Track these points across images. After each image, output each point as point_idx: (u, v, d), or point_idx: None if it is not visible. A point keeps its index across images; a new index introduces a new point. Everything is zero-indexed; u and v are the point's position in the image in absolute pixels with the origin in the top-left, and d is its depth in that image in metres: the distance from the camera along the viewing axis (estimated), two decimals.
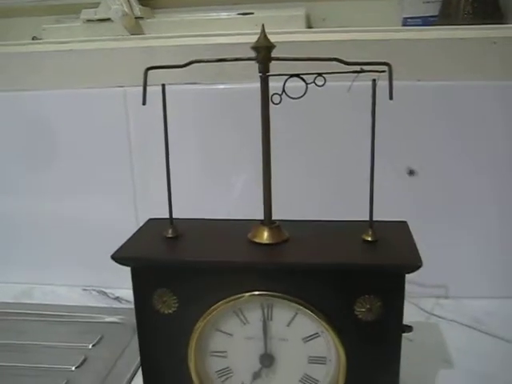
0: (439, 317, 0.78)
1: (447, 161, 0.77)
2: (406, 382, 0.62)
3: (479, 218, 0.79)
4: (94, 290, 0.90)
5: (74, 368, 0.69)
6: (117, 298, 0.87)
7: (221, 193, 0.83)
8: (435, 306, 0.81)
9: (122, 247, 0.49)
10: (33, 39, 0.92)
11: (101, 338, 0.76)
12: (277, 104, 0.47)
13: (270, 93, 0.48)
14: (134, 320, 0.77)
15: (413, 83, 0.74)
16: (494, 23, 0.76)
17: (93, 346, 0.74)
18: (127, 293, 0.85)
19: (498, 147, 0.76)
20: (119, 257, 0.47)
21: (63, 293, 0.89)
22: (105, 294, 0.89)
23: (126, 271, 0.86)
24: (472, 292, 0.81)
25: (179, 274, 0.47)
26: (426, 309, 0.80)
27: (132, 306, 0.83)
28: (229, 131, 0.80)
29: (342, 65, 0.46)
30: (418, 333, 0.73)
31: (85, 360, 0.71)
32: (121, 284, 0.87)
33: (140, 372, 0.66)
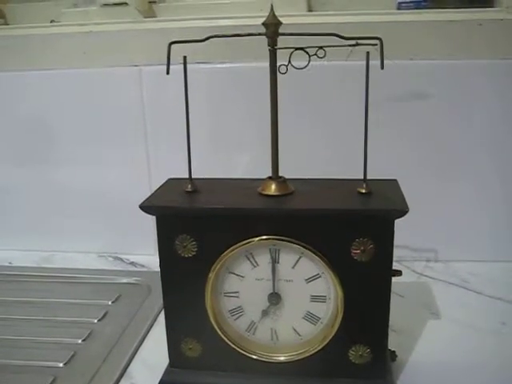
0: (429, 277, 0.85)
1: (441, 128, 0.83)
2: (398, 331, 0.69)
3: (467, 188, 0.85)
4: (110, 256, 0.96)
5: (96, 321, 0.75)
6: (131, 263, 0.93)
7: (229, 168, 0.88)
8: (426, 268, 0.87)
9: (147, 199, 0.55)
10: (51, 23, 0.98)
11: (119, 296, 0.82)
12: (283, 73, 0.53)
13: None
14: (148, 281, 0.85)
15: (406, 62, 0.81)
16: (480, 6, 0.82)
17: (112, 302, 0.80)
18: (141, 258, 0.93)
19: (482, 115, 0.82)
20: (146, 206, 0.53)
21: (81, 259, 0.95)
22: (120, 259, 0.95)
23: (140, 239, 0.92)
24: (459, 256, 0.88)
25: (198, 221, 0.54)
26: (417, 270, 0.87)
27: (146, 269, 0.91)
28: (238, 107, 0.85)
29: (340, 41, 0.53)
30: (409, 290, 0.80)
31: (106, 314, 0.77)
32: (135, 250, 0.94)
33: (157, 323, 0.74)
